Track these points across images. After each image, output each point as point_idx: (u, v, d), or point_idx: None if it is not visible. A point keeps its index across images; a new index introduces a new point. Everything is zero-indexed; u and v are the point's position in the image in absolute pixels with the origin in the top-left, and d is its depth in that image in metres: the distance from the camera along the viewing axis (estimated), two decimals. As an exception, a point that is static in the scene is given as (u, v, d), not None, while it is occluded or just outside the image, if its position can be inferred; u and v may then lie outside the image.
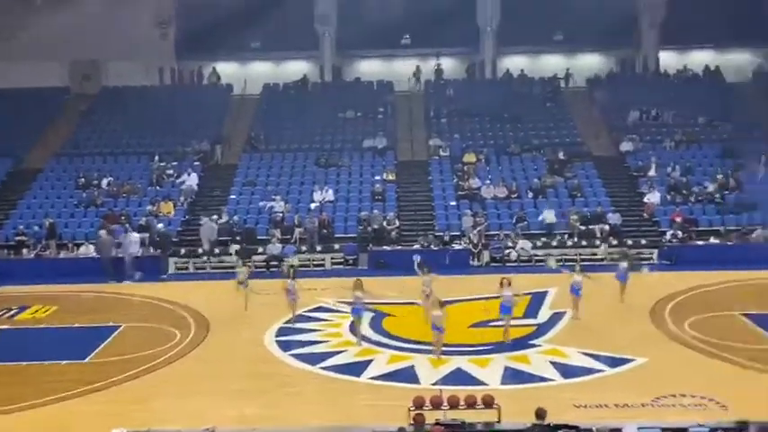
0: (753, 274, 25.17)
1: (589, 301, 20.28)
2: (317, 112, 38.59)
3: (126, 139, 37.05)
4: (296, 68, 42.69)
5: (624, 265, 21.99)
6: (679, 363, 16.91)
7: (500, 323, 18.86)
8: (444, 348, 17.46)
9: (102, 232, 28.16)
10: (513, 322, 18.92)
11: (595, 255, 28.48)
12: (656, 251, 28.64)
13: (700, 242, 28.85)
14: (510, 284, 18.50)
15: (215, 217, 30.33)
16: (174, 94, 40.65)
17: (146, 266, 27.59)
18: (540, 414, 10.69)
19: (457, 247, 28.97)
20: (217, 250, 29.08)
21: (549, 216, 30.24)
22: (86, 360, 17.77)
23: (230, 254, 28.57)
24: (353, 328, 19.04)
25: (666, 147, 35.26)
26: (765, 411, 12.59)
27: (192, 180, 33.48)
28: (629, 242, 28.91)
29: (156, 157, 34.82)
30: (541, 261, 27.38)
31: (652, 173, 32.99)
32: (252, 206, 32.11)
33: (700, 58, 42.36)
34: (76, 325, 20.90)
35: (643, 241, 29.23)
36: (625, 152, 35.11)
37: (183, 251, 29.23)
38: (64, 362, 17.54)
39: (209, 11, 39.41)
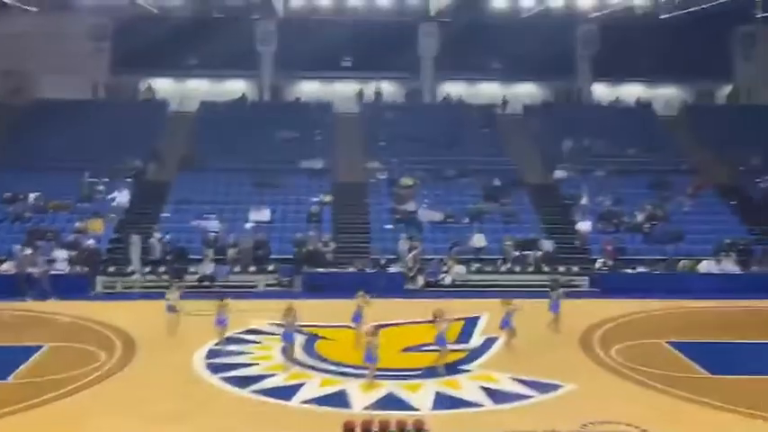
0: (678, 302, 25.85)
1: (520, 327, 20.48)
2: (255, 132, 38.38)
3: (56, 154, 36.19)
4: (234, 87, 42.49)
5: (557, 293, 22.28)
6: (607, 389, 17.18)
7: (433, 348, 18.91)
8: (376, 373, 17.40)
9: (18, 248, 27.45)
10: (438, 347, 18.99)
11: (528, 281, 28.83)
12: (587, 278, 29.14)
13: (628, 270, 29.46)
14: (443, 315, 18.56)
15: (158, 235, 29.82)
16: (108, 108, 39.97)
17: (73, 285, 26.92)
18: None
19: (392, 270, 29.03)
20: (147, 269, 28.57)
21: (479, 240, 30.54)
22: (7, 380, 17.22)
23: (161, 273, 28.10)
24: (285, 352, 18.86)
25: (598, 176, 35.98)
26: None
27: (123, 197, 32.90)
28: (561, 269, 29.36)
29: (87, 173, 34.12)
30: (476, 286, 27.65)
31: (584, 201, 33.62)
32: (185, 225, 31.66)
33: (631, 91, 43.58)
34: (-3, 343, 20.27)
35: (575, 268, 29.72)
36: (558, 180, 35.73)
37: (111, 269, 28.62)
38: (-17, 382, 16.97)
39: (146, 26, 38.97)
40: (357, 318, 19.79)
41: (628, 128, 39.69)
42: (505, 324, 20.18)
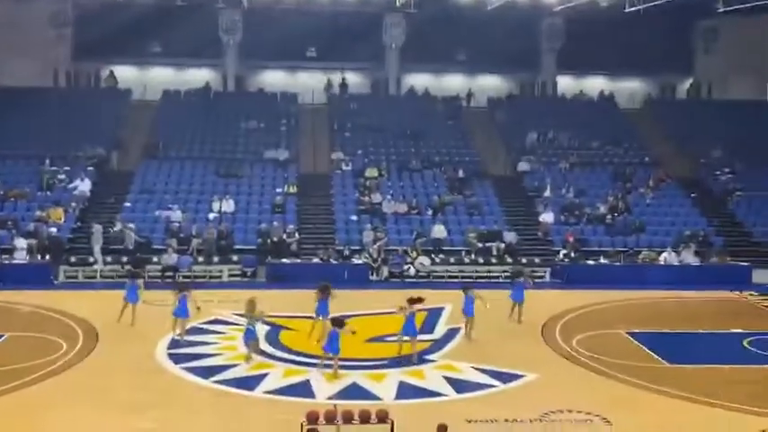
0: (638, 293, 26.28)
1: (482, 317, 20.68)
2: (219, 121, 38.18)
3: (16, 142, 35.66)
4: (198, 76, 42.17)
5: (520, 281, 22.50)
6: (567, 379, 17.44)
7: (394, 339, 19.05)
8: (340, 362, 17.48)
9: None
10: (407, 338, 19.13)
11: (491, 272, 29.09)
12: (548, 269, 29.47)
13: (590, 262, 29.84)
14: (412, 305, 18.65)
15: (131, 225, 29.54)
16: (69, 96, 39.54)
17: (33, 274, 26.64)
18: (441, 429, 10.84)
19: (356, 261, 29.11)
20: (108, 258, 28.34)
21: (438, 231, 30.70)
22: (-35, 371, 17.02)
23: (123, 263, 27.90)
24: (249, 346, 18.58)
25: (561, 168, 36.35)
26: (646, 427, 13.15)
27: (84, 186, 32.55)
28: (524, 260, 29.66)
29: (47, 161, 33.70)
30: (440, 277, 27.85)
31: (547, 193, 33.95)
32: (148, 215, 31.42)
33: (595, 84, 44.03)
34: (-44, 334, 19.99)
35: (537, 260, 30.04)
36: (522, 172, 36.03)
37: (73, 259, 28.34)
38: (-59, 373, 16.75)
39: (108, 12, 38.44)
40: (323, 310, 19.71)
41: (591, 120, 40.11)
42: (467, 311, 20.36)
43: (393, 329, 19.86)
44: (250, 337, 18.32)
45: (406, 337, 18.67)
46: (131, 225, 29.63)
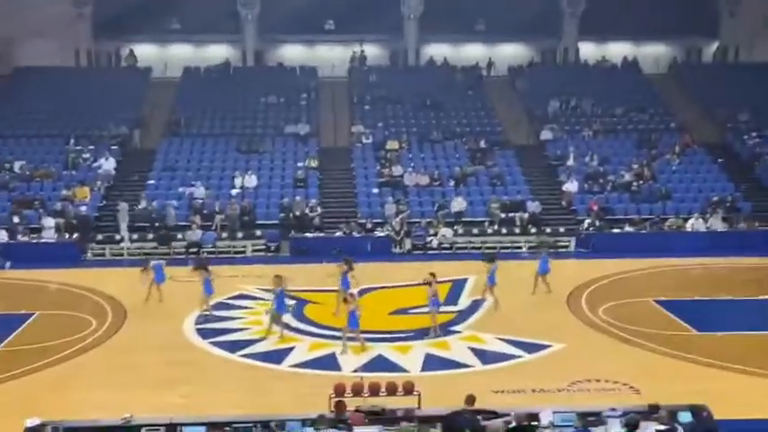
0: (665, 261, 26.09)
1: (508, 287, 20.65)
2: (239, 97, 38.17)
3: (40, 122, 35.93)
4: (217, 52, 42.09)
5: (545, 253, 22.40)
6: (594, 348, 17.40)
7: (422, 311, 19.09)
8: (365, 335, 17.56)
9: None
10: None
11: (515, 243, 29.02)
12: (573, 239, 29.33)
13: (615, 230, 29.66)
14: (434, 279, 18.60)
15: (174, 203, 29.86)
16: (91, 75, 39.68)
17: (62, 252, 26.94)
18: (470, 400, 10.89)
19: (379, 234, 29.14)
20: (135, 236, 28.58)
21: (458, 204, 30.57)
22: (-2, 349, 17.30)
23: (149, 240, 28.15)
24: (277, 321, 18.65)
25: (585, 136, 36.04)
26: (675, 395, 13.10)
27: (109, 164, 32.76)
28: (548, 230, 29.54)
29: (72, 141, 33.94)
30: (463, 248, 27.88)
31: (570, 162, 33.70)
32: (171, 192, 31.59)
33: (618, 50, 43.45)
34: (-13, 313, 20.29)
35: (561, 229, 29.90)
36: (545, 141, 35.78)
37: (100, 237, 28.60)
38: (-27, 351, 17.04)
39: (127, -10, 38.48)
40: (345, 283, 19.82)
41: (615, 87, 39.64)
42: (491, 281, 20.36)
43: (417, 302, 19.93)
44: (280, 311, 18.34)
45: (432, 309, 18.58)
46: (174, 202, 29.77)
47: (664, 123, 37.31)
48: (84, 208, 29.56)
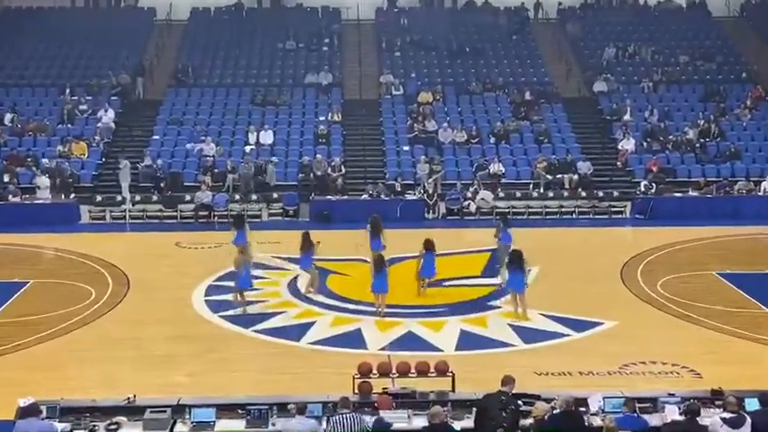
0: (733, 229, 25.86)
1: (555, 258, 20.58)
2: (254, 43, 38.12)
3: (32, 70, 36.14)
4: (229, -9, 41.90)
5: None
6: (650, 326, 17.34)
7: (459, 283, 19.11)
8: (394, 310, 17.62)
9: None
10: (470, 282, 19.20)
11: (563, 208, 28.88)
12: (629, 204, 29.14)
13: (677, 194, 29.40)
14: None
15: (274, 159, 30.21)
16: (89, 17, 39.73)
17: (57, 214, 27.24)
18: (506, 382, 10.91)
19: (410, 197, 29.10)
20: (138, 197, 28.80)
21: (496, 168, 30.36)
22: (-11, 321, 17.59)
23: (152, 202, 28.35)
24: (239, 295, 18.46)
25: (644, 88, 35.65)
26: (741, 379, 13.04)
27: (108, 117, 32.93)
28: (601, 194, 29.37)
29: (68, 91, 34.09)
30: (503, 213, 27.77)
31: (627, 117, 33.39)
32: (178, 148, 31.72)
33: (683, -10, 42.68)
34: (-24, 281, 20.60)
35: (615, 193, 29.70)
36: (598, 93, 35.44)
37: (99, 198, 28.86)
38: (-38, 323, 17.33)
39: None
40: (377, 245, 19.93)
41: (679, 32, 39.17)
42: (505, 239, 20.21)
43: (451, 273, 19.92)
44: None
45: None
46: (274, 159, 30.22)
47: (734, 73, 36.78)
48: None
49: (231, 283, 19.46)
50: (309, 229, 20.33)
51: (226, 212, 28.12)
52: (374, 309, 17.84)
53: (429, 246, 19.10)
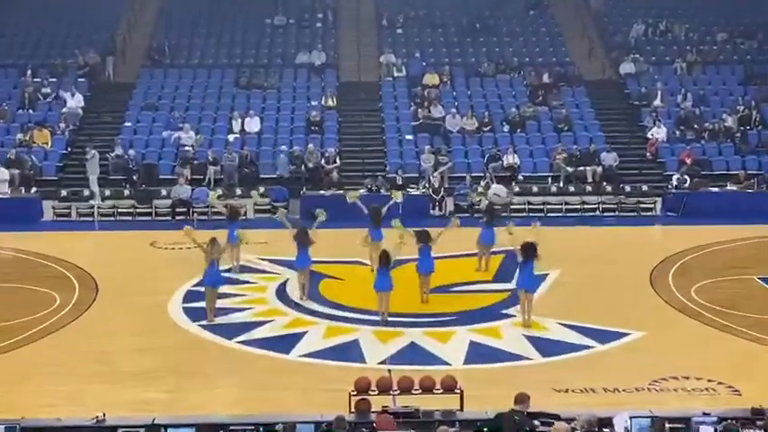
0: (776, 229, 25.87)
1: (576, 261, 20.58)
2: (238, 18, 38.09)
3: (-12, 48, 36.18)
4: (210, -40, 41.93)
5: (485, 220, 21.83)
6: (683, 337, 17.36)
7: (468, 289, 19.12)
8: (396, 319, 17.63)
9: None
10: (481, 287, 19.20)
11: (585, 204, 28.88)
12: (659, 200, 29.14)
13: (714, 189, 29.41)
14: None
15: (284, 147, 30.30)
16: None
17: (17, 211, 27.23)
18: (521, 400, 10.92)
19: (414, 192, 29.10)
20: (108, 192, 28.79)
21: (511, 158, 30.37)
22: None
23: (124, 197, 28.37)
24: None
25: (676, 69, 35.65)
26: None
27: (75, 102, 32.92)
28: (628, 188, 29.37)
29: (29, 72, 34.09)
30: (519, 210, 27.82)
31: (657, 102, 33.39)
32: (153, 137, 31.73)
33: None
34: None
35: (645, 187, 29.71)
36: (625, 75, 35.43)
37: (64, 192, 28.85)
38: None
39: None
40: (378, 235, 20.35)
41: (715, 6, 39.20)
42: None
43: (459, 277, 19.91)
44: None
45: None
46: (284, 147, 30.46)
47: (778, 53, 36.83)
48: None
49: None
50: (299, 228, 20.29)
51: (206, 209, 28.10)
52: (372, 317, 17.86)
53: (424, 238, 19.11)
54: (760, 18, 38.70)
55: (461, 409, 12.16)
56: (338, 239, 22.67)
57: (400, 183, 29.40)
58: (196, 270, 20.59)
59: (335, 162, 30.32)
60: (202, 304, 18.95)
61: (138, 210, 28.19)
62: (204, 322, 18.06)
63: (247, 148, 30.84)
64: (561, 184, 29.84)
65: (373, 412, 11.76)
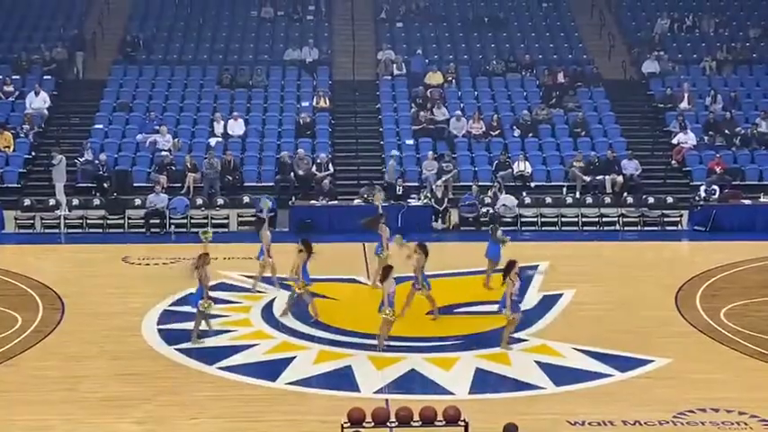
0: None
1: (594, 278, 20.57)
2: (222, 10, 38.21)
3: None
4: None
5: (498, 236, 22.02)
6: (712, 366, 17.34)
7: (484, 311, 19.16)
8: (394, 343, 17.61)
9: None
10: (487, 309, 19.22)
11: (604, 216, 28.93)
12: (686, 213, 29.18)
13: (745, 201, 29.47)
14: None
15: (395, 152, 30.35)
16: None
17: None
18: (509, 431, 10.90)
19: (414, 202, 29.13)
20: (76, 201, 28.81)
21: (522, 165, 30.47)
22: None
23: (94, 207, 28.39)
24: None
25: (705, 69, 35.81)
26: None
27: (40, 101, 32.99)
28: (650, 199, 29.42)
29: (-10, 68, 34.27)
30: (530, 223, 27.85)
31: (684, 105, 33.52)
32: (126, 140, 31.79)
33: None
34: None
35: (670, 199, 29.76)
36: (648, 75, 35.55)
37: (27, 202, 28.86)
38: None
39: None
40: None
41: (748, 1, 39.28)
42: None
43: (465, 298, 19.89)
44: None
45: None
46: (395, 152, 30.85)
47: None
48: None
49: (189, 308, 19.46)
50: (289, 242, 20.34)
51: (185, 220, 28.12)
52: (368, 341, 17.82)
53: (421, 251, 19.24)
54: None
55: (466, 443, 12.15)
56: (330, 254, 22.66)
57: (400, 192, 29.46)
58: (172, 288, 20.65)
59: (328, 169, 30.37)
60: (179, 326, 18.97)
61: (109, 221, 28.20)
62: (183, 345, 18.05)
63: (230, 153, 30.88)
64: (577, 195, 29.93)
65: (368, 446, 11.75)
